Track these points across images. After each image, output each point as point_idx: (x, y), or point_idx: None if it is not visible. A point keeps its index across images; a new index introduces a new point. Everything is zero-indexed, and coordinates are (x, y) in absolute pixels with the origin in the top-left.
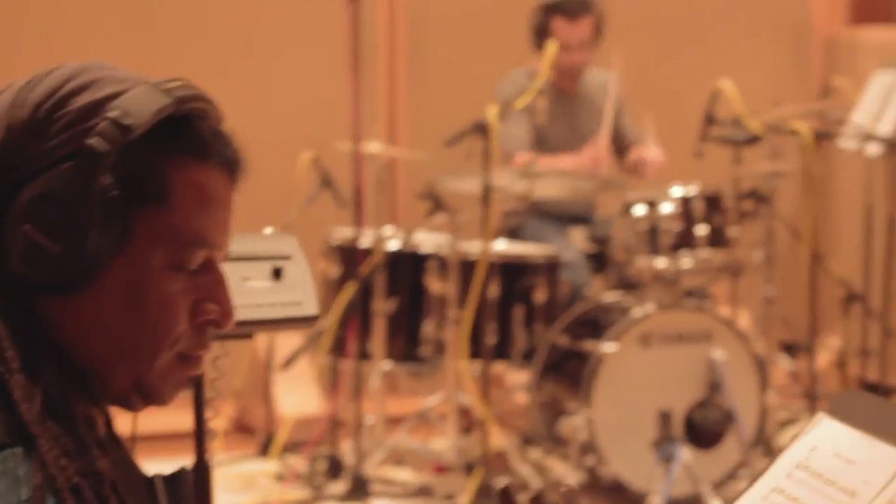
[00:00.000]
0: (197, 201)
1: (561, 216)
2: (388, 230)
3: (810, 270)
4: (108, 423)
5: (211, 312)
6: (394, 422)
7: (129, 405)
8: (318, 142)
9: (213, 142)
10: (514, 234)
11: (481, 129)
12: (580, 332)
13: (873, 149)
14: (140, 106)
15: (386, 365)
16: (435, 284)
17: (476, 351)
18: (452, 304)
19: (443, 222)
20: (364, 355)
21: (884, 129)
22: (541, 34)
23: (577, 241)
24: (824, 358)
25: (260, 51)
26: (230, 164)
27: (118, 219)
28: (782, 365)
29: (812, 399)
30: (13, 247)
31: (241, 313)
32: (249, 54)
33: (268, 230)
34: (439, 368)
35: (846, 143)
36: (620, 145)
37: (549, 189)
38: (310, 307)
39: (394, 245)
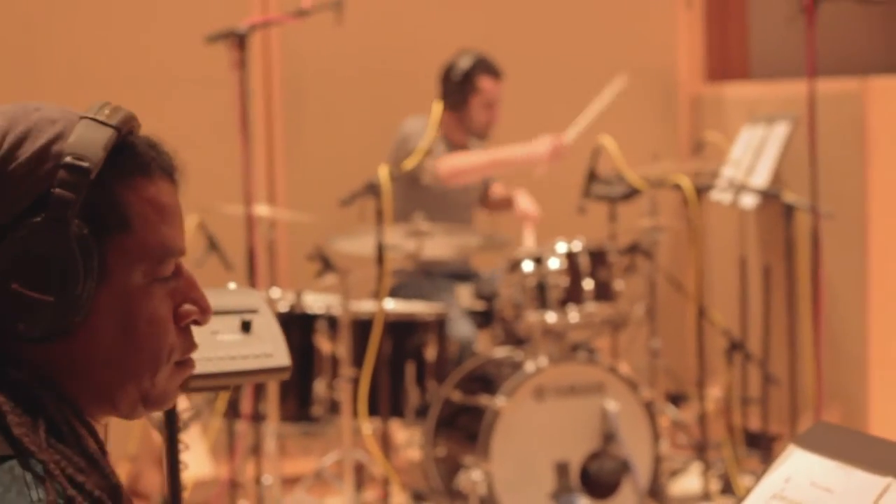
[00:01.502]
0: (156, 215)
1: (446, 273)
2: (275, 292)
3: (696, 322)
4: (97, 439)
5: (192, 313)
6: (289, 482)
7: (134, 416)
8: (202, 206)
9: (152, 154)
10: (399, 292)
11: (374, 190)
12: (473, 388)
13: (748, 200)
14: (89, 144)
15: (279, 426)
16: (325, 344)
17: (372, 408)
18: (345, 363)
19: (332, 283)
20: (258, 417)
21: (758, 181)
22: (463, 91)
23: (462, 298)
24: (707, 407)
25: (145, 115)
26: (170, 170)
27: (94, 255)
28: (669, 415)
29: (701, 448)
30: (3, 307)
31: (214, 366)
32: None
33: (231, 285)
34: (332, 427)
35: (721, 196)
36: (483, 190)
37: (436, 248)
38: (281, 358)
39: (282, 307)
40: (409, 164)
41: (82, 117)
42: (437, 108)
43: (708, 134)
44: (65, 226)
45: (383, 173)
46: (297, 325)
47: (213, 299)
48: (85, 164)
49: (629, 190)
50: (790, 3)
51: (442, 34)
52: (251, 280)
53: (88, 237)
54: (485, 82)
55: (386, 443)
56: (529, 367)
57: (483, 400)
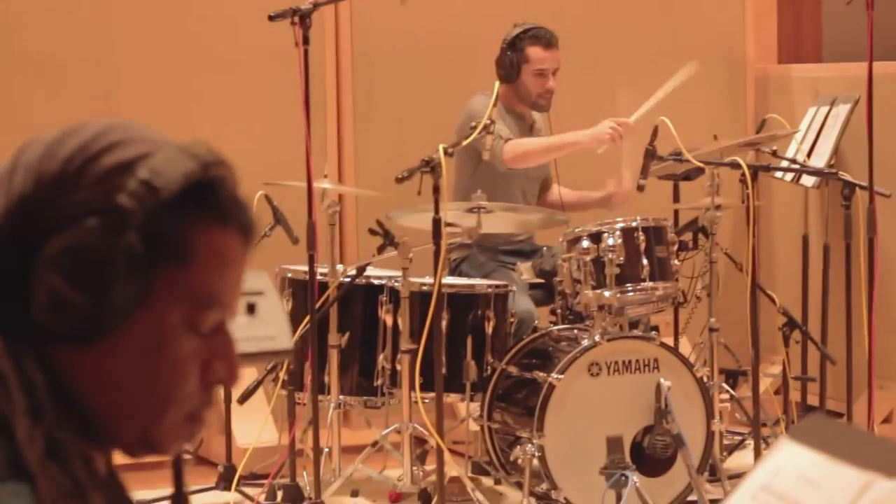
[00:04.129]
0: (216, 263)
1: (509, 249)
2: (340, 265)
3: (751, 300)
4: (109, 463)
5: (220, 371)
6: (351, 452)
7: (132, 454)
8: (269, 180)
9: (233, 207)
10: (461, 266)
11: (431, 166)
12: (529, 362)
13: (808, 180)
14: (169, 169)
15: (341, 397)
16: (388, 317)
17: (429, 382)
18: (405, 336)
19: (393, 256)
20: (320, 388)
21: (819, 160)
22: (514, 62)
23: (524, 274)
24: (765, 385)
25: (211, 92)
26: (247, 229)
27: (141, 275)
28: (726, 392)
29: (758, 425)
30: (38, 295)
31: None
32: (201, 95)
33: None
34: (394, 400)
35: (783, 175)
36: (545, 182)
37: (497, 225)
38: (284, 341)
39: (347, 279)
40: (466, 141)
41: (174, 146)
42: (497, 86)
43: (771, 114)
44: (118, 234)
45: (440, 150)
46: (361, 298)
47: None
48: (157, 184)
49: (691, 169)
50: None
51: (510, 12)
52: (311, 253)
53: (141, 255)
54: (534, 51)
55: (440, 415)
56: (584, 342)
57: (538, 374)
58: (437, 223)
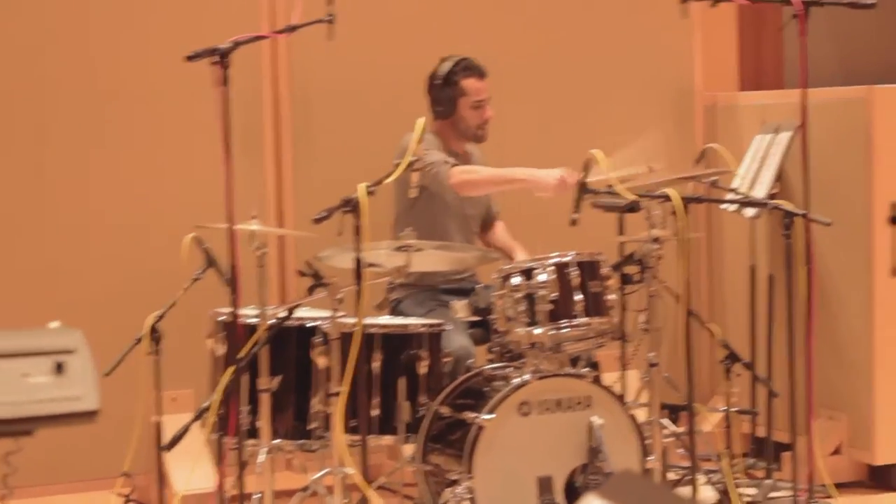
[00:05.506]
0: None
1: (448, 287)
2: (271, 307)
3: (685, 333)
4: None
5: None
6: (284, 497)
7: None
8: (199, 222)
9: None
10: (399, 306)
11: (351, 206)
12: (461, 403)
13: (750, 211)
14: None
15: (276, 441)
16: (321, 359)
17: (359, 424)
18: (335, 379)
19: (325, 297)
20: (253, 433)
21: (761, 190)
22: (451, 97)
23: (458, 312)
24: (714, 419)
25: (143, 133)
26: None
27: None
28: (666, 427)
29: (700, 460)
30: None
31: (18, 410)
32: (133, 137)
33: (53, 324)
34: (330, 443)
35: (725, 206)
36: (486, 220)
37: (428, 262)
38: (89, 401)
39: (279, 321)
40: (388, 179)
41: None
42: (420, 123)
43: (711, 144)
44: None
45: (361, 189)
46: (294, 340)
47: (29, 340)
48: None
49: (627, 202)
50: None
51: (448, 45)
52: (234, 295)
53: None
54: (469, 83)
55: (365, 460)
56: (514, 381)
57: (469, 415)
58: (358, 263)
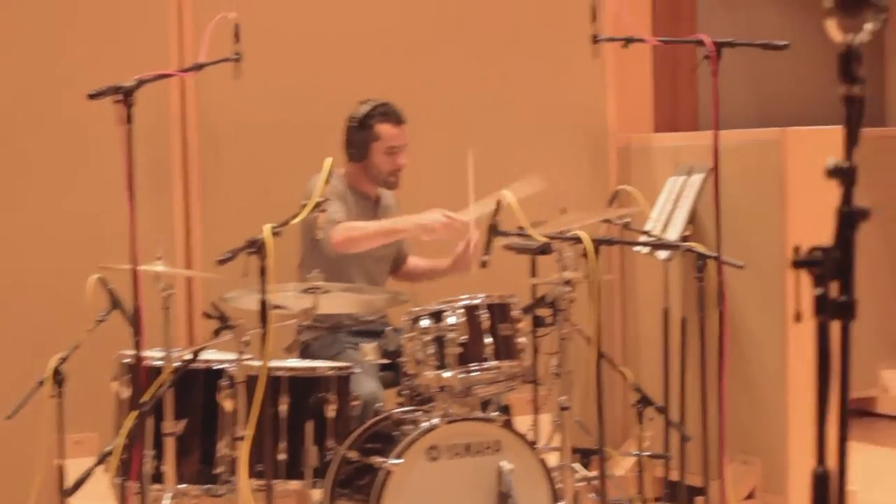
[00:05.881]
0: None
1: (357, 330)
2: (178, 349)
3: (596, 376)
4: None
5: None
6: None
7: None
8: (104, 263)
9: None
10: (308, 348)
11: (256, 247)
12: (370, 447)
13: (663, 254)
14: None
15: (181, 486)
16: (227, 403)
17: (265, 468)
18: (242, 422)
19: (231, 340)
20: (158, 477)
21: (673, 232)
22: (364, 141)
23: (367, 355)
24: (629, 463)
25: (46, 172)
26: None
27: None
28: (577, 471)
29: None
30: None
31: None
32: (36, 176)
33: None
34: (235, 487)
35: (638, 248)
36: (397, 262)
37: (336, 304)
38: None
39: (184, 364)
40: (295, 220)
41: None
42: (328, 163)
43: (623, 186)
44: None
45: (266, 230)
46: (201, 383)
47: None
48: None
49: (539, 244)
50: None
51: (358, 87)
52: (137, 339)
53: None
54: (384, 128)
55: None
56: (423, 425)
57: (376, 460)
58: (263, 306)
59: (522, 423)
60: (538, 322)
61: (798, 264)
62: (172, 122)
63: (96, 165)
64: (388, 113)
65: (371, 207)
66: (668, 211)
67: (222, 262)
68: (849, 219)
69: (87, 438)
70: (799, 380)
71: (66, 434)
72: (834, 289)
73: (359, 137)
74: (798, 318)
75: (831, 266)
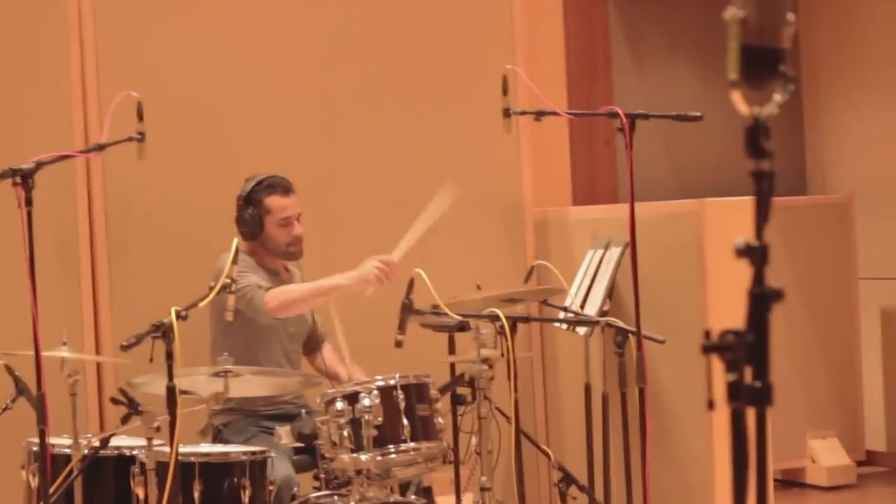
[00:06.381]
0: None
1: (271, 413)
2: (87, 436)
3: (515, 455)
4: None
5: None
6: None
7: None
8: (8, 349)
9: None
10: (221, 433)
11: (161, 331)
12: None
13: (582, 329)
14: None
15: None
16: (140, 490)
17: None
18: None
19: (140, 426)
20: None
21: (592, 306)
22: (256, 217)
23: (282, 438)
24: None
25: None
26: None
27: None
28: None
29: None
30: None
31: None
32: None
33: None
34: None
35: (558, 324)
36: (312, 341)
37: (249, 387)
38: None
39: (92, 451)
40: (203, 303)
41: None
42: (235, 243)
43: (540, 261)
44: None
45: (172, 314)
46: (112, 470)
47: None
48: None
49: (455, 322)
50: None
51: (267, 165)
52: (41, 428)
53: None
54: (273, 200)
55: None
56: None
57: None
58: (170, 391)
59: None
60: (457, 400)
61: (708, 349)
62: (79, 204)
63: (1, 248)
64: (274, 185)
65: (279, 283)
66: (586, 286)
67: (126, 347)
68: (761, 300)
69: None
70: (725, 459)
71: None
72: (749, 373)
73: (249, 214)
74: (711, 406)
75: (745, 350)
